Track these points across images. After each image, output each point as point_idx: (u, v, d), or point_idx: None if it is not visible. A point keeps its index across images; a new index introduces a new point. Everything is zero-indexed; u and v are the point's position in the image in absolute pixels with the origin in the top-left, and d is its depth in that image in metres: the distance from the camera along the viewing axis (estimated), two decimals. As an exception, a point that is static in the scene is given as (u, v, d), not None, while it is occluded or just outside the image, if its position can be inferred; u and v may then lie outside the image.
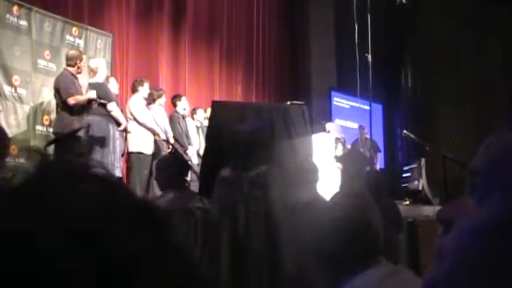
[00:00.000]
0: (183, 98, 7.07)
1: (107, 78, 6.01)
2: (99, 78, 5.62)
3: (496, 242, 0.50)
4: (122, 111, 5.90)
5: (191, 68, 8.40)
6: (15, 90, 5.67)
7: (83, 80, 5.60)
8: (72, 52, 5.46)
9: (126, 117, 6.04)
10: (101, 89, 5.49)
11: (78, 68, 5.34)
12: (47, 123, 5.89)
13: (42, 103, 5.89)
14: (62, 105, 5.18)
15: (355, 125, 9.07)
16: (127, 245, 0.36)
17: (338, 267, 1.31)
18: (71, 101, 5.16)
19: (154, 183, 4.09)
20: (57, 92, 5.20)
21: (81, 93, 5.30)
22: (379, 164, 8.82)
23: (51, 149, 4.78)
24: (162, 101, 6.70)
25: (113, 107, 5.57)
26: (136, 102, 6.28)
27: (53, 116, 5.60)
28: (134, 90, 6.41)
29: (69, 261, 0.33)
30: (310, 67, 10.11)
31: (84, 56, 5.50)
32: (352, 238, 1.32)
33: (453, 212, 0.55)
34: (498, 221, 0.51)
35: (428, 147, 7.22)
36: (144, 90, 6.40)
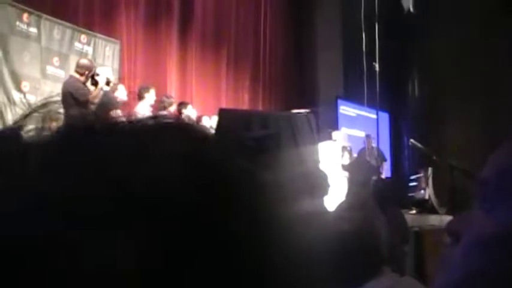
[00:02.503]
0: (189, 106, 7.09)
1: (115, 86, 6.05)
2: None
3: (503, 256, 0.50)
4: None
5: (198, 75, 8.44)
6: (24, 96, 5.72)
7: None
8: (85, 61, 5.48)
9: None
10: (104, 96, 5.52)
11: (86, 78, 5.37)
12: (55, 129, 5.93)
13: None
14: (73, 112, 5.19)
15: (362, 134, 9.05)
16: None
17: (342, 278, 1.30)
18: (92, 99, 5.20)
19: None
20: (71, 96, 5.18)
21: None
22: (385, 173, 8.78)
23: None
24: (172, 108, 6.74)
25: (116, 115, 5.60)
26: (143, 109, 6.30)
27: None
28: (140, 97, 6.44)
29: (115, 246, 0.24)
30: (317, 75, 10.12)
31: (94, 69, 5.52)
32: (356, 250, 1.32)
33: (462, 224, 0.55)
34: (505, 234, 0.50)
35: (435, 156, 7.19)
36: (150, 97, 6.43)
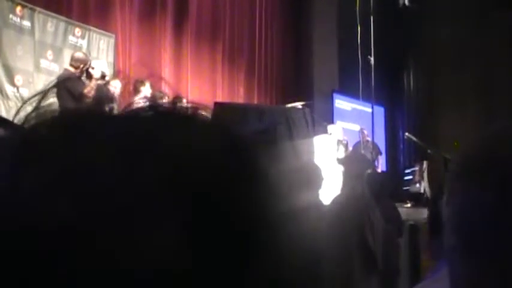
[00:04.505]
0: (184, 101, 7.06)
1: (110, 80, 6.01)
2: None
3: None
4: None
5: (193, 69, 8.41)
6: (18, 90, 5.68)
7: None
8: (80, 55, 5.44)
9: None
10: (100, 89, 5.49)
11: (81, 72, 5.33)
12: (49, 123, 5.90)
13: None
14: (68, 105, 5.16)
15: (357, 127, 9.07)
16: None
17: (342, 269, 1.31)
18: (87, 92, 5.16)
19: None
20: (66, 89, 5.14)
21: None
22: (381, 167, 8.81)
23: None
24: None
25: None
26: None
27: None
28: (136, 91, 6.42)
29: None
30: (313, 69, 10.11)
31: (89, 62, 5.47)
32: (353, 243, 1.33)
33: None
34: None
35: (430, 150, 7.21)
36: (146, 90, 6.40)
